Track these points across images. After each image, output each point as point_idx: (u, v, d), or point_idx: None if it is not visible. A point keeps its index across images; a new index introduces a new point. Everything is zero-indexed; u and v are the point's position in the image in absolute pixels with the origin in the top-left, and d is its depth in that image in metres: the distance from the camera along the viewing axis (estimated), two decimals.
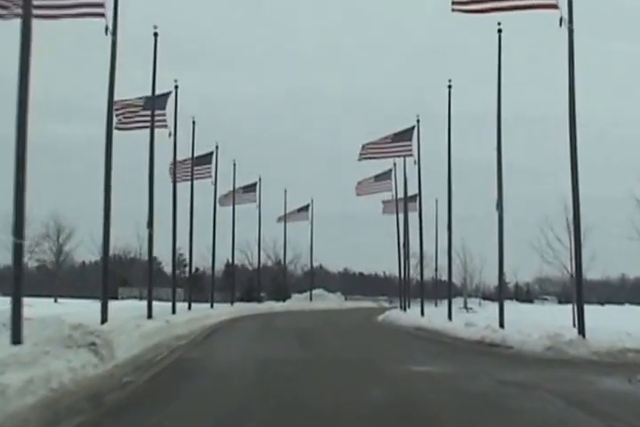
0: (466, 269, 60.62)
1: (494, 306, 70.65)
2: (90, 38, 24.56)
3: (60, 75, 70.66)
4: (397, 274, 69.04)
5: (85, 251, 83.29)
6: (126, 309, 34.46)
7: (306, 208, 66.43)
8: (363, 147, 36.73)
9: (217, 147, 42.87)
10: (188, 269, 47.80)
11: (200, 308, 42.23)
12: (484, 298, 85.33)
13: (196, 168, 41.45)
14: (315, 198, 66.65)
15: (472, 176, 64.25)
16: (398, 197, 48.35)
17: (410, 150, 36.62)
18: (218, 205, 51.84)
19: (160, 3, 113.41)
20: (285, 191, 63.78)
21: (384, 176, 48.47)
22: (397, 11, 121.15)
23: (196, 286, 76.32)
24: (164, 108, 29.61)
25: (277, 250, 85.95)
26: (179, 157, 38.94)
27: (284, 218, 64.70)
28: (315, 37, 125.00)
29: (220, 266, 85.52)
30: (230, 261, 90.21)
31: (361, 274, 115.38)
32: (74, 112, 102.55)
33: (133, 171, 33.17)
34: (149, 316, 24.57)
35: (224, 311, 41.74)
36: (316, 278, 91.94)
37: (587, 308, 19.82)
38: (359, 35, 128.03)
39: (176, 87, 30.35)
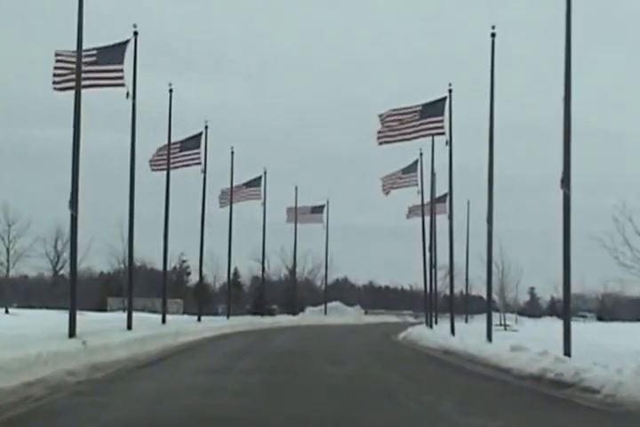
0: (504, 280, 52.90)
1: (532, 323, 63.32)
2: None
3: None
4: (423, 286, 62.37)
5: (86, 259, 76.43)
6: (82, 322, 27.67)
7: (320, 209, 59.21)
8: (381, 120, 29.42)
9: (206, 127, 36.01)
10: (164, 275, 40.00)
11: (185, 322, 35.45)
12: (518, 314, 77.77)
13: (182, 153, 34.98)
14: (341, 209, 60.21)
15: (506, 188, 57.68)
16: (424, 193, 41.41)
17: (441, 127, 29.39)
18: (218, 204, 45.34)
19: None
20: (296, 189, 56.78)
21: (410, 168, 41.42)
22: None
23: (201, 298, 69.81)
24: (120, 63, 22.79)
25: (297, 258, 79.33)
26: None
27: (295, 215, 57.32)
28: (323, 35, 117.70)
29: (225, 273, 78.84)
30: (240, 269, 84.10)
31: (386, 287, 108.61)
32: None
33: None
34: (71, 334, 17.57)
35: (214, 326, 34.80)
36: (340, 291, 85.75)
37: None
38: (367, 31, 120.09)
39: (135, 33, 23.41)
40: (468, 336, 26.84)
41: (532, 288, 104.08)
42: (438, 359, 21.10)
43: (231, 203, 44.01)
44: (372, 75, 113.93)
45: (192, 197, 43.02)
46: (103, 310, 60.94)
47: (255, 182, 47.53)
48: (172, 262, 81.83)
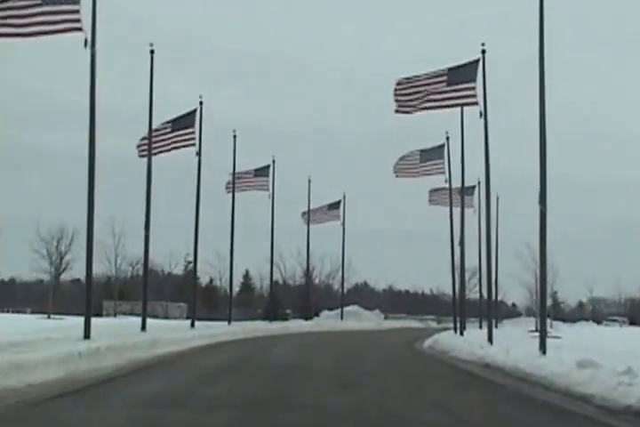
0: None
1: (569, 328, 57.71)
2: None
3: None
4: (447, 291, 57.24)
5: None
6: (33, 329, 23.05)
7: (337, 205, 54.26)
8: (398, 88, 24.57)
9: (201, 102, 31.26)
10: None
11: (178, 328, 30.72)
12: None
13: (174, 134, 30.39)
14: (359, 213, 55.34)
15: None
16: (451, 181, 36.59)
17: (473, 96, 24.45)
18: (225, 191, 40.71)
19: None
20: (309, 181, 51.80)
21: (433, 154, 36.48)
22: None
23: (209, 301, 65.36)
24: (75, 2, 18.15)
25: (314, 262, 74.72)
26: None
27: (308, 215, 52.44)
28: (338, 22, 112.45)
29: (238, 277, 74.25)
30: (253, 272, 79.22)
31: (407, 292, 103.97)
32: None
33: None
34: None
35: (209, 333, 29.84)
36: (360, 295, 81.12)
37: None
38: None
39: None
40: (513, 346, 21.95)
41: (555, 292, 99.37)
42: (481, 378, 16.06)
43: (233, 191, 39.24)
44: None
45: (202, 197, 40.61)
46: (98, 314, 56.11)
47: (263, 172, 42.61)
48: (179, 264, 77.31)
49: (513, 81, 69.38)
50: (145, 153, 28.66)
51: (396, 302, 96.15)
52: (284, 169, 45.12)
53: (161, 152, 29.63)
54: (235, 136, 38.20)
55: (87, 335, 18.53)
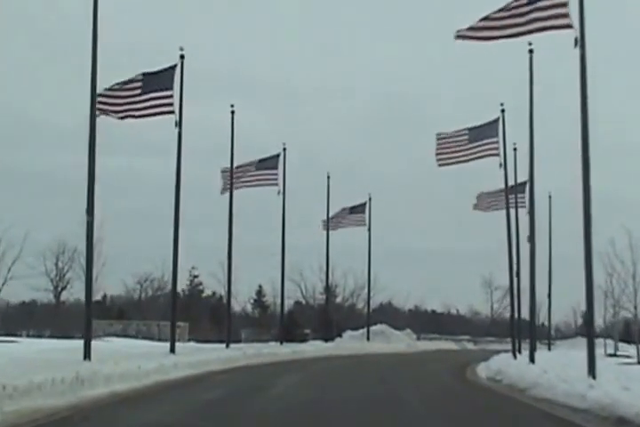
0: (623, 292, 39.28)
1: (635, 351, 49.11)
2: None
3: None
4: (480, 310, 50.03)
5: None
6: None
7: (361, 208, 46.61)
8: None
9: (182, 56, 23.78)
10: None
11: (153, 353, 23.30)
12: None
13: (146, 97, 23.34)
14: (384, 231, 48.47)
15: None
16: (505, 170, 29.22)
17: (566, 15, 16.79)
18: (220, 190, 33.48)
19: None
20: (328, 177, 44.13)
21: (485, 131, 29.14)
22: None
23: (217, 321, 57.97)
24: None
25: (337, 279, 67.56)
26: None
27: (327, 214, 44.87)
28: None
29: (251, 293, 66.61)
30: (264, 288, 71.41)
31: (433, 311, 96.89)
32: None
33: None
34: None
35: (193, 361, 22.24)
36: (385, 315, 73.84)
37: None
38: None
39: None
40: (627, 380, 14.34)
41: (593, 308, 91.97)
42: None
43: (231, 185, 31.74)
44: None
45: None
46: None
47: (269, 163, 34.99)
48: (182, 278, 69.71)
49: None
50: (102, 113, 21.37)
51: (423, 321, 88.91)
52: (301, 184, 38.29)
53: (126, 116, 22.42)
54: (232, 112, 30.53)
55: None
